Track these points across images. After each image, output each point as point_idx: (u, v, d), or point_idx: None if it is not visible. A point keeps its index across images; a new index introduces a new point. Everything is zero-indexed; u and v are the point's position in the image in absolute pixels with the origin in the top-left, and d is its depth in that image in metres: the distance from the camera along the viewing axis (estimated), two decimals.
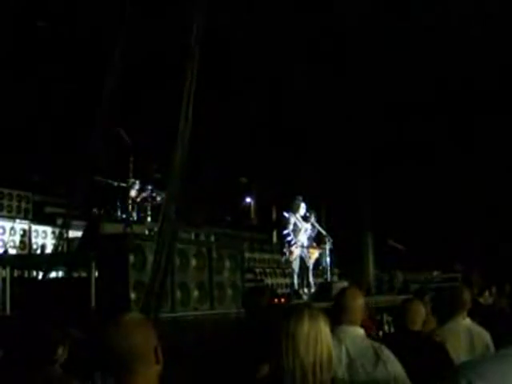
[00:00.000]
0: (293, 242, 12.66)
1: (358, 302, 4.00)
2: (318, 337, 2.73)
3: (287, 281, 13.54)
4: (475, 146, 17.24)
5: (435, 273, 19.03)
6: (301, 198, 13.01)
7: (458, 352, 4.57)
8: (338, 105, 15.42)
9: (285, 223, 12.96)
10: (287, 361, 2.66)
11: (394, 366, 3.58)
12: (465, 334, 4.88)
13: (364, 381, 3.50)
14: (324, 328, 2.78)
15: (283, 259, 13.78)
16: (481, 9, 12.36)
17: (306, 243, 12.82)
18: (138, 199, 11.55)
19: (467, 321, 5.01)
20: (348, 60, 14.45)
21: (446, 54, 13.72)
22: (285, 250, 12.98)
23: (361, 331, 3.87)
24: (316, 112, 15.63)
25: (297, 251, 12.68)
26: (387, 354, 3.64)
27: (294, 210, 12.89)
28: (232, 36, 12.95)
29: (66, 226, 10.13)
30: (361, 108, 16.13)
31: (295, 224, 12.80)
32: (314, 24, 13.12)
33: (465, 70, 14.22)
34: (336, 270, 15.27)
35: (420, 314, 4.85)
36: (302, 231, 12.81)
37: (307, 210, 13.05)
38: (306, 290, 12.59)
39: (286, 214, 13.01)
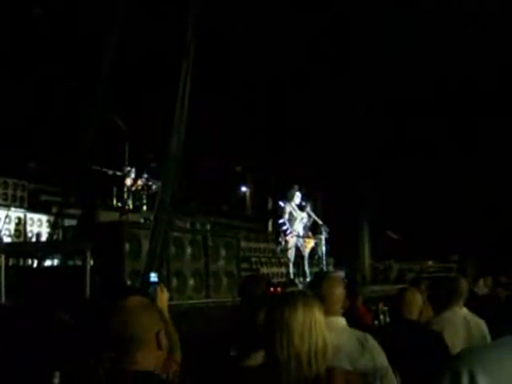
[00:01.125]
0: (288, 232, 12.67)
1: (336, 290, 3.81)
2: (312, 326, 2.68)
3: (283, 270, 13.53)
4: (474, 143, 17.28)
5: (430, 262, 19.11)
6: (296, 187, 13.01)
7: (455, 341, 4.56)
8: (338, 97, 15.40)
9: (280, 212, 12.97)
10: (281, 351, 2.61)
11: (379, 355, 3.52)
12: (462, 324, 4.86)
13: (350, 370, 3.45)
14: (319, 316, 2.72)
15: (278, 249, 13.79)
16: (481, 8, 12.34)
17: (301, 232, 12.82)
18: (134, 188, 11.54)
19: (464, 310, 5.00)
20: (348, 59, 14.45)
21: (446, 54, 13.71)
22: (280, 239, 13.00)
23: (343, 321, 3.74)
24: (314, 104, 15.62)
25: (292, 240, 12.68)
26: (372, 343, 3.57)
27: (290, 199, 12.89)
28: (231, 31, 12.93)
29: (62, 215, 10.10)
30: (361, 104, 16.14)
31: (291, 213, 12.80)
32: (314, 23, 13.10)
33: (464, 70, 14.20)
34: (331, 260, 15.27)
35: (417, 303, 4.83)
36: (297, 220, 12.81)
37: (303, 200, 13.05)
38: (301, 279, 12.59)
39: (281, 204, 13.01)
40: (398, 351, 3.63)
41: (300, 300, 2.75)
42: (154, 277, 5.93)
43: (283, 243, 12.90)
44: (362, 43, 13.75)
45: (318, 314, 2.74)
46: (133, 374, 2.32)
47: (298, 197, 12.92)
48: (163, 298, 4.08)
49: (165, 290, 4.14)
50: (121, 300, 2.46)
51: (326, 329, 2.75)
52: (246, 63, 13.82)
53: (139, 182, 11.52)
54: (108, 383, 2.36)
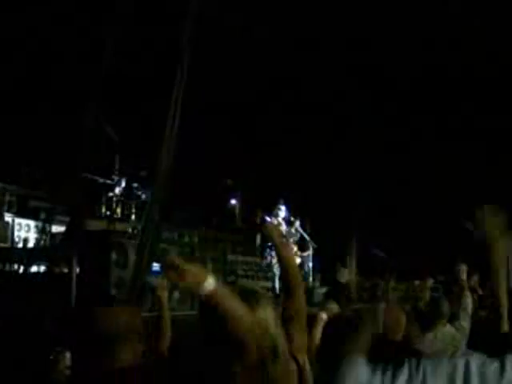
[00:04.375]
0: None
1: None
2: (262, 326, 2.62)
3: (269, 284, 13.53)
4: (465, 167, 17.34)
5: (417, 282, 19.10)
6: (282, 202, 13.06)
7: None
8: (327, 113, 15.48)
9: None
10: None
11: None
12: (448, 342, 4.92)
13: None
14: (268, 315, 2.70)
15: (264, 263, 13.81)
16: None
17: None
18: (123, 197, 11.54)
19: (447, 328, 5.06)
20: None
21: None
22: (266, 253, 13.02)
23: None
24: (307, 121, 15.68)
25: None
26: None
27: (276, 214, 12.95)
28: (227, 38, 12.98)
29: (50, 221, 10.10)
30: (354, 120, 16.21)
31: None
32: None
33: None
34: (318, 276, 15.27)
35: (400, 322, 4.85)
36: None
37: (291, 215, 13.09)
38: None
39: (267, 218, 13.05)
40: None
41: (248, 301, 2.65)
42: (156, 266, 5.96)
43: (269, 258, 12.93)
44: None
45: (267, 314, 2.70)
46: (111, 371, 2.34)
47: (282, 211, 12.97)
48: (163, 286, 4.39)
49: (165, 279, 4.40)
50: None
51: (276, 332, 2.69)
52: (244, 73, 13.87)
53: (128, 192, 11.52)
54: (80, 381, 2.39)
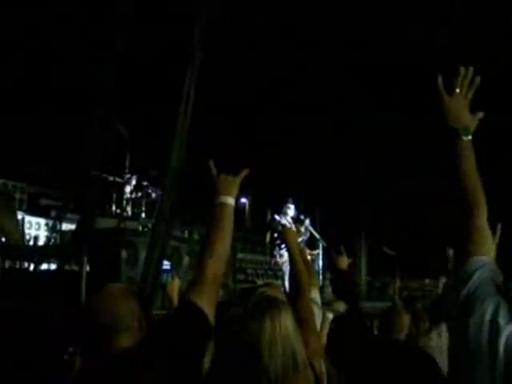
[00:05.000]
0: (283, 245, 12.71)
1: None
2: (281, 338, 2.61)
3: (279, 283, 13.52)
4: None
5: (427, 281, 19.06)
6: (291, 201, 13.07)
7: (445, 359, 4.56)
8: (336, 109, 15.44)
9: (276, 225, 13.02)
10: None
11: None
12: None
13: None
14: (289, 326, 2.67)
15: (273, 261, 13.82)
16: None
17: None
18: (133, 195, 11.55)
19: None
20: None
21: None
22: (275, 252, 13.03)
23: None
24: (315, 120, 15.65)
25: (286, 254, 12.73)
26: None
27: (285, 213, 12.96)
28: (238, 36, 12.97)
29: (60, 219, 10.12)
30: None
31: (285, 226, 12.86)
32: None
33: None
34: (328, 275, 15.25)
35: (404, 322, 4.86)
36: None
37: (301, 214, 13.09)
38: None
39: (276, 217, 13.07)
40: (385, 370, 3.63)
41: (267, 310, 2.68)
42: (166, 265, 5.96)
43: (277, 256, 12.94)
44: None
45: (288, 324, 2.67)
46: (113, 358, 2.33)
47: (291, 210, 12.98)
48: (174, 284, 4.42)
49: (176, 277, 4.45)
50: (99, 290, 2.47)
51: (296, 340, 2.68)
52: (244, 73, 13.86)
53: (139, 190, 11.52)
54: (86, 373, 2.38)
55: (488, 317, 1.66)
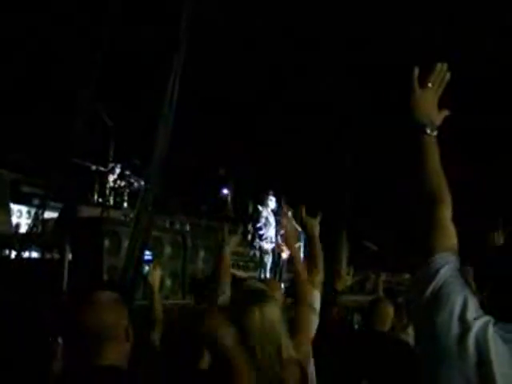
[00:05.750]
0: (264, 237, 12.76)
1: None
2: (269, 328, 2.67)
3: (259, 274, 13.54)
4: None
5: (407, 275, 19.16)
6: (271, 193, 13.11)
7: None
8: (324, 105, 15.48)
9: (257, 217, 13.06)
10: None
11: None
12: None
13: None
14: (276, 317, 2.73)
15: (252, 252, 13.83)
16: None
17: (274, 238, 12.90)
18: (116, 184, 11.52)
19: None
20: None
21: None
22: (255, 243, 13.07)
23: None
24: (297, 110, 15.68)
25: (266, 245, 12.78)
26: None
27: (266, 205, 13.00)
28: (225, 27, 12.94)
29: (43, 207, 10.06)
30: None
31: (267, 218, 12.89)
32: None
33: None
34: None
35: (388, 314, 4.90)
36: (272, 226, 12.90)
37: (280, 206, 13.10)
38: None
39: (259, 208, 13.10)
40: (369, 362, 3.67)
41: (256, 301, 2.73)
42: (148, 255, 5.95)
43: (257, 247, 12.99)
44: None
45: (274, 315, 2.72)
46: (98, 368, 2.33)
47: (272, 202, 13.01)
48: (155, 274, 4.54)
49: (158, 267, 4.51)
50: (88, 295, 2.46)
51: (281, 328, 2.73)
52: (238, 63, 13.84)
53: (122, 179, 11.50)
54: (69, 378, 2.37)
55: (456, 313, 1.66)
